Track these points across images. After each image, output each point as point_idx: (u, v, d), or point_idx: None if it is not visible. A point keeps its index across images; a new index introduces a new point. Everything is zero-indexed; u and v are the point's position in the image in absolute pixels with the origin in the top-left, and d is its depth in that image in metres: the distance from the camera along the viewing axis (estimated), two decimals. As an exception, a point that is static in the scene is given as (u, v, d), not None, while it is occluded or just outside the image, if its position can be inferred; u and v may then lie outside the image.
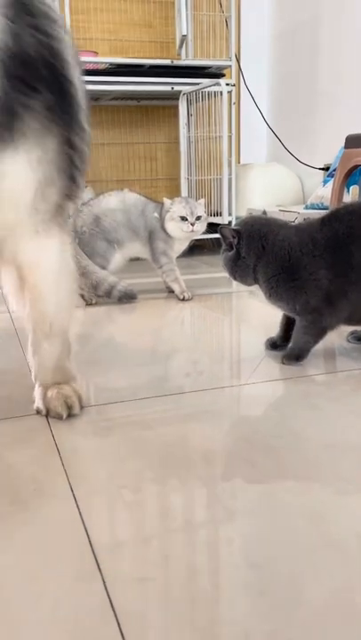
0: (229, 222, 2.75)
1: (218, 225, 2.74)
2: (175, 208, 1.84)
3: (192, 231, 1.85)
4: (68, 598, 0.59)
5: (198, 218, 1.86)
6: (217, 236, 2.77)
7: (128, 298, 1.88)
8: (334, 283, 1.17)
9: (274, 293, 1.22)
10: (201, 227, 1.88)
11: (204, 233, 1.95)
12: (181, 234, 1.86)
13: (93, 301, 1.88)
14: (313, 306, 1.18)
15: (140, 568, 0.63)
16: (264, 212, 1.49)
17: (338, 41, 2.75)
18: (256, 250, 1.22)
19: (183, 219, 1.84)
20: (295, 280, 1.18)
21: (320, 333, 1.23)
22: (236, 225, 1.27)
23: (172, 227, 1.85)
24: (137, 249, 1.92)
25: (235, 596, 0.59)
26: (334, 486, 0.78)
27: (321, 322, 1.20)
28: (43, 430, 0.97)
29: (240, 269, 1.25)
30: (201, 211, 1.87)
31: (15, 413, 1.05)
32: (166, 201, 1.87)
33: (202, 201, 1.92)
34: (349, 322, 1.24)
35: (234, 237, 1.23)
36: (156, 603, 0.58)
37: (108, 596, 0.59)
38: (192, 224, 1.84)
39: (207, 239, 2.79)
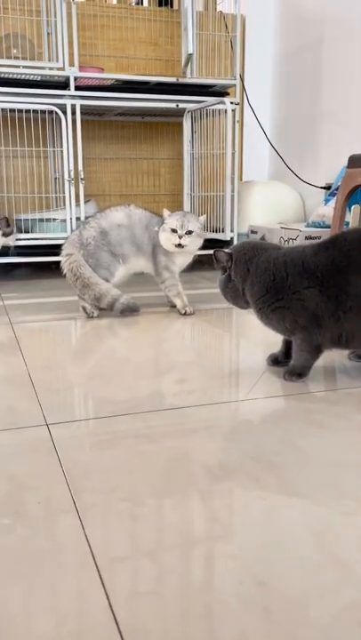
0: (228, 242, 2.77)
1: (220, 241, 2.77)
2: (169, 220, 1.85)
3: (179, 244, 1.83)
4: (72, 612, 0.58)
5: (190, 233, 1.84)
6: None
7: (131, 310, 1.88)
8: (325, 307, 1.17)
9: (263, 315, 1.25)
10: (191, 241, 1.85)
11: (203, 248, 1.94)
12: (170, 246, 1.85)
13: (95, 314, 1.88)
14: (301, 325, 1.19)
15: (144, 582, 0.63)
16: (263, 238, 1.51)
17: (340, 62, 2.79)
18: (242, 273, 1.25)
19: (174, 231, 1.84)
20: (280, 300, 1.20)
21: (316, 350, 1.23)
22: (229, 249, 1.29)
23: (164, 238, 1.86)
24: (141, 264, 1.92)
25: (239, 613, 0.58)
26: (338, 504, 0.78)
27: (312, 339, 1.20)
28: (45, 442, 0.97)
29: (231, 291, 1.29)
30: (194, 226, 1.85)
31: (17, 425, 1.04)
32: (165, 212, 1.88)
33: (202, 218, 1.91)
34: (347, 346, 1.23)
35: (227, 261, 1.27)
36: (159, 617, 0.58)
37: (112, 610, 0.59)
38: (180, 237, 1.82)
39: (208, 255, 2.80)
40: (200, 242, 1.90)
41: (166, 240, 1.85)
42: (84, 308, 1.89)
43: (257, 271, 1.23)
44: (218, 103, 2.69)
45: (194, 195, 3.01)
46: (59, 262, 1.90)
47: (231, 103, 2.65)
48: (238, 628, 0.56)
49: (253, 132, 3.29)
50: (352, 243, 1.18)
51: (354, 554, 0.67)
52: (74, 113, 2.51)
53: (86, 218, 2.04)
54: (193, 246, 1.87)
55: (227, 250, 1.28)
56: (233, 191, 2.74)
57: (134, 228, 1.89)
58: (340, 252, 1.18)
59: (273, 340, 1.39)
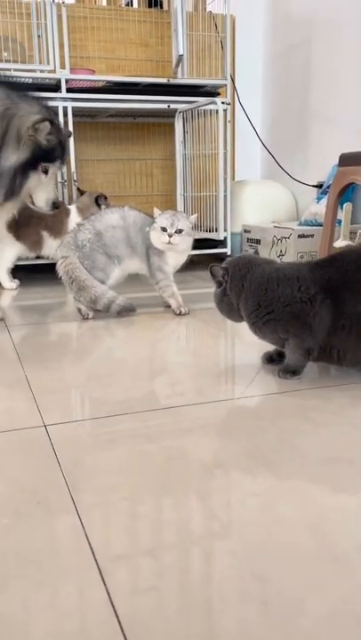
0: (222, 241, 2.78)
1: (212, 240, 2.78)
2: (159, 219, 1.86)
3: (169, 242, 1.83)
4: (74, 610, 0.59)
5: (179, 231, 1.84)
6: (211, 251, 2.81)
7: (127, 311, 1.88)
8: (319, 321, 1.18)
9: (256, 328, 1.26)
10: (181, 240, 1.85)
11: (197, 248, 1.95)
12: (160, 244, 1.86)
13: (90, 316, 1.89)
14: (293, 332, 1.21)
15: (144, 579, 0.64)
16: (256, 252, 1.53)
17: (330, 61, 2.80)
18: (237, 288, 1.27)
19: (163, 229, 1.84)
20: (270, 313, 1.21)
21: (308, 352, 1.24)
22: (224, 264, 1.30)
23: (154, 236, 1.86)
24: (135, 265, 1.93)
25: (238, 607, 0.59)
26: (334, 499, 0.79)
27: (304, 344, 1.22)
28: (44, 443, 0.98)
29: (226, 306, 1.31)
30: (184, 225, 1.85)
31: (15, 426, 1.05)
32: (156, 211, 1.89)
33: (193, 217, 1.91)
34: (339, 362, 1.23)
35: (223, 276, 1.29)
36: (160, 613, 0.59)
37: (113, 607, 0.60)
38: (170, 235, 1.83)
39: (201, 255, 2.81)
40: (190, 240, 1.91)
41: (157, 238, 1.85)
42: (80, 310, 1.90)
43: (251, 286, 1.25)
44: (209, 103, 2.70)
45: (187, 195, 3.03)
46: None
47: (222, 103, 2.66)
48: (238, 622, 0.57)
49: (245, 131, 3.31)
50: (350, 263, 1.20)
51: (350, 548, 0.69)
52: (65, 115, 2.51)
53: (82, 220, 2.05)
54: (183, 245, 1.88)
55: (223, 265, 1.30)
56: (226, 191, 2.75)
57: (129, 229, 1.89)
58: (337, 271, 1.20)
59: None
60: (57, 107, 2.50)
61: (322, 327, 1.18)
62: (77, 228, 1.92)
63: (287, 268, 1.25)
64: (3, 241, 2.43)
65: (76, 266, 1.84)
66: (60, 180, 2.54)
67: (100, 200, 2.53)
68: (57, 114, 1.84)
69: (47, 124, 1.67)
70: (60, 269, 1.87)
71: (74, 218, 2.46)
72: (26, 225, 2.40)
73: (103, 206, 2.50)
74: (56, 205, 1.83)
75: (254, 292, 1.24)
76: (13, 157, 1.66)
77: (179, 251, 1.89)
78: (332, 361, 1.24)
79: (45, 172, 1.75)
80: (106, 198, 2.57)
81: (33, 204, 1.82)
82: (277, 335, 1.24)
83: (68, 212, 2.48)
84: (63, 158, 1.81)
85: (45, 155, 1.71)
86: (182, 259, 1.95)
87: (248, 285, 1.25)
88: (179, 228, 1.84)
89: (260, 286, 1.23)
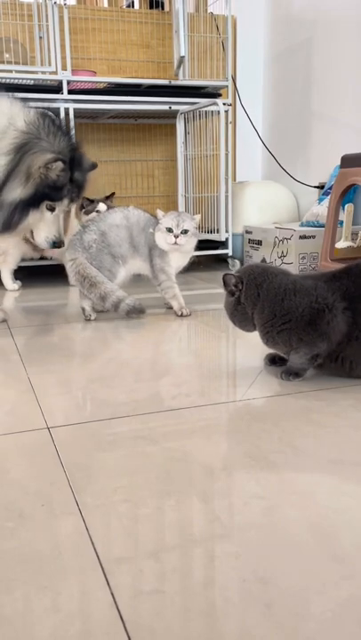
0: (223, 242, 2.78)
1: (214, 242, 2.79)
2: (164, 220, 1.86)
3: (175, 243, 1.84)
4: (78, 612, 0.60)
5: (185, 232, 1.85)
6: (212, 252, 2.81)
7: (137, 312, 1.88)
8: (333, 330, 1.19)
9: (270, 337, 1.26)
10: (186, 241, 1.86)
11: (198, 249, 1.95)
12: (166, 245, 1.86)
13: (92, 317, 1.89)
14: (307, 340, 1.21)
15: (149, 581, 0.64)
16: (263, 260, 1.53)
17: (331, 62, 2.81)
18: (253, 297, 1.26)
19: (169, 230, 1.85)
20: (287, 322, 1.21)
21: (314, 357, 1.24)
22: (237, 272, 1.30)
23: (159, 238, 1.87)
24: (138, 265, 1.93)
25: (242, 609, 0.60)
26: (338, 501, 0.79)
27: (313, 350, 1.22)
28: (47, 445, 0.98)
29: (240, 315, 1.29)
30: (189, 225, 1.86)
31: (19, 428, 1.06)
32: (159, 212, 1.89)
33: (197, 217, 1.92)
34: (350, 374, 1.25)
35: (236, 285, 1.27)
36: (164, 615, 0.59)
37: (118, 609, 0.60)
38: (175, 236, 1.84)
39: (202, 256, 2.82)
40: (195, 241, 1.91)
41: (162, 239, 1.86)
42: (83, 310, 1.90)
43: (268, 295, 1.24)
44: (210, 104, 2.71)
45: (188, 196, 3.03)
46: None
47: (224, 104, 2.67)
48: (241, 624, 0.58)
49: (246, 132, 3.31)
50: None
51: (354, 549, 0.69)
52: (67, 116, 2.52)
53: (87, 221, 2.05)
54: (188, 245, 1.88)
55: (236, 274, 1.28)
56: (227, 192, 2.75)
57: (132, 228, 1.90)
58: (353, 283, 1.21)
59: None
60: (59, 108, 2.51)
61: (337, 336, 1.19)
62: (82, 229, 1.92)
63: (305, 279, 1.26)
64: (8, 242, 2.44)
65: (86, 265, 1.85)
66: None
67: (83, 202, 2.57)
68: (77, 148, 1.74)
69: (60, 164, 1.64)
70: (71, 271, 1.88)
71: (74, 218, 2.48)
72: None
73: (85, 209, 2.54)
74: (57, 245, 1.77)
75: (271, 301, 1.23)
76: (17, 192, 1.62)
77: (184, 251, 1.90)
78: (343, 371, 1.25)
79: (52, 209, 1.71)
80: (92, 201, 2.60)
81: (33, 237, 1.77)
82: (289, 344, 1.23)
83: (69, 213, 2.49)
84: (74, 197, 1.76)
85: (52, 193, 1.67)
86: (185, 260, 1.96)
87: (265, 295, 1.24)
88: (184, 228, 1.84)
89: (276, 296, 1.23)
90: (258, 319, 1.26)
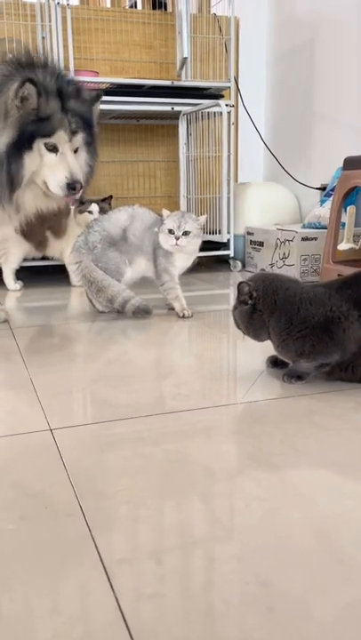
0: (225, 244, 2.78)
1: (216, 243, 2.79)
2: (167, 221, 1.86)
3: (176, 245, 1.83)
4: (82, 614, 0.60)
5: (186, 233, 1.83)
6: (214, 253, 2.81)
7: (143, 313, 1.88)
8: (346, 338, 1.19)
9: (284, 345, 1.25)
10: (188, 242, 1.84)
11: (200, 250, 1.94)
12: (168, 246, 1.86)
13: (106, 310, 1.95)
14: (319, 349, 1.21)
15: (151, 584, 0.64)
16: (262, 270, 1.52)
17: (334, 64, 2.81)
18: (270, 305, 1.25)
19: (170, 232, 1.84)
20: (303, 330, 1.21)
21: (320, 366, 1.24)
22: (249, 280, 1.29)
23: (162, 238, 1.87)
24: (142, 265, 1.93)
25: (244, 612, 0.60)
26: (339, 503, 0.79)
27: (327, 359, 1.22)
28: (49, 446, 0.98)
29: (256, 323, 1.27)
30: (191, 227, 1.84)
31: (21, 430, 1.06)
32: (164, 212, 1.89)
33: (202, 218, 1.90)
34: None
35: (249, 293, 1.26)
36: (167, 618, 0.59)
37: (121, 611, 0.60)
38: (176, 238, 1.82)
39: (204, 257, 2.82)
40: (198, 242, 1.90)
41: (164, 241, 1.86)
42: (93, 304, 1.97)
43: (284, 304, 1.24)
44: (213, 106, 2.71)
45: (190, 197, 3.03)
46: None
47: (226, 105, 2.67)
48: (243, 627, 0.58)
49: (248, 133, 3.31)
50: None
51: (355, 552, 0.69)
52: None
53: (91, 221, 2.05)
54: (191, 247, 1.87)
55: (249, 282, 1.27)
56: (229, 193, 2.75)
57: (136, 227, 1.90)
58: None
59: (270, 343, 1.40)
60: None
61: (352, 344, 1.20)
62: (87, 230, 1.92)
63: (317, 287, 1.27)
64: (10, 241, 2.44)
65: (91, 268, 1.85)
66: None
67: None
68: (71, 81, 1.51)
69: (29, 85, 1.38)
70: (78, 275, 1.89)
71: (73, 218, 2.48)
72: (31, 224, 2.41)
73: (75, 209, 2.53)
74: (73, 188, 1.49)
75: (287, 310, 1.23)
76: (1, 139, 1.41)
77: (186, 252, 1.89)
78: (354, 379, 1.25)
79: (54, 149, 1.47)
80: (84, 203, 2.58)
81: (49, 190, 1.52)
82: (302, 352, 1.23)
83: (68, 212, 2.49)
84: (74, 127, 1.49)
85: (40, 127, 1.43)
86: (189, 261, 1.95)
87: (281, 303, 1.24)
88: (186, 229, 1.83)
89: (292, 305, 1.23)
90: (274, 327, 1.25)
